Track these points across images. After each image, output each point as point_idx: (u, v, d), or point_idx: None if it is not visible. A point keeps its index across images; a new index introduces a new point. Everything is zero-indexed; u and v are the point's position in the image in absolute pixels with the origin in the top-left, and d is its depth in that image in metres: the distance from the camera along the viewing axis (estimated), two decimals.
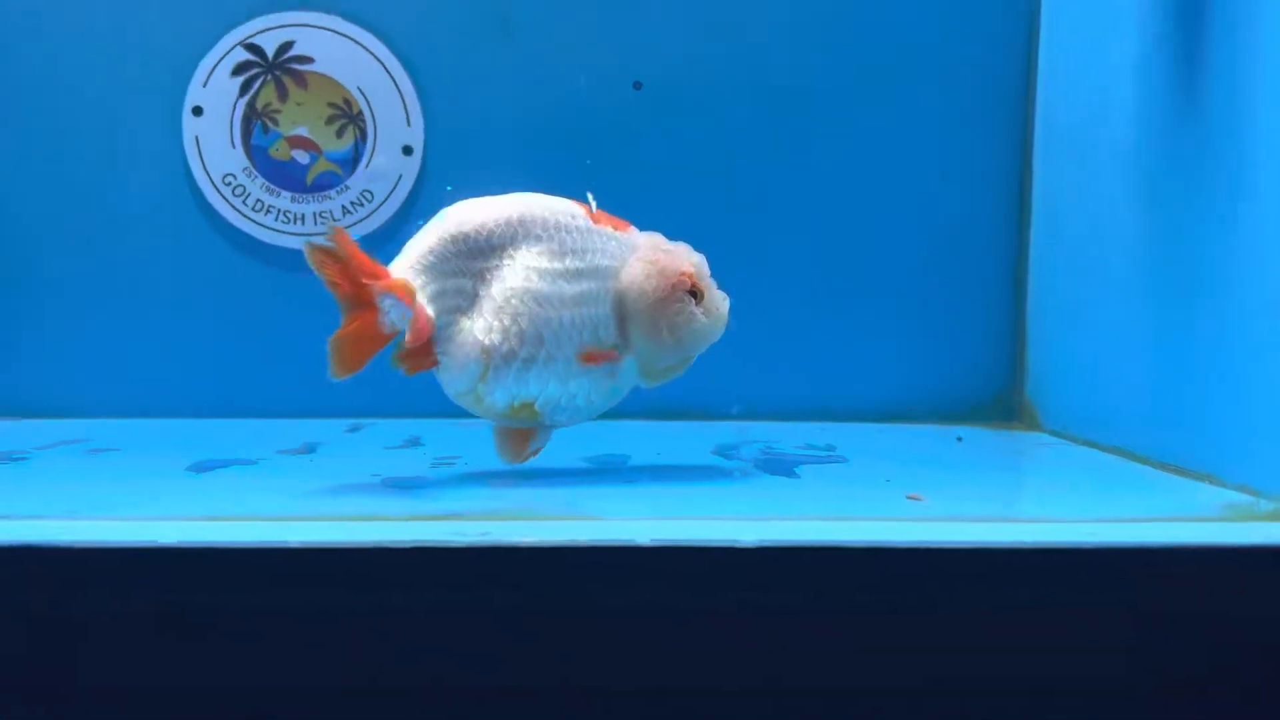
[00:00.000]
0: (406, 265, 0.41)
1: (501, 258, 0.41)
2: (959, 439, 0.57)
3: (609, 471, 0.45)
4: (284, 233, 0.61)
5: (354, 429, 0.57)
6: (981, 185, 0.63)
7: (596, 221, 0.43)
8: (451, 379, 0.42)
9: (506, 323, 0.41)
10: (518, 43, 0.62)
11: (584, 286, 0.41)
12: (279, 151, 0.61)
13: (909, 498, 0.39)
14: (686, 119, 0.62)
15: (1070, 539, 0.32)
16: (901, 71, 0.62)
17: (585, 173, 0.61)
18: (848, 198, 0.62)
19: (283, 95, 0.60)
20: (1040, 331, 0.62)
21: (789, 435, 0.56)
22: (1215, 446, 0.44)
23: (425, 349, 0.41)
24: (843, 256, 0.63)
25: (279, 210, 0.61)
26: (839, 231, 0.63)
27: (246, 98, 0.60)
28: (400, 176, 0.61)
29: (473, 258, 0.41)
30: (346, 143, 0.61)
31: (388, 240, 0.62)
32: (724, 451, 0.51)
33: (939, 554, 0.32)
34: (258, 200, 0.61)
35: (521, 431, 0.43)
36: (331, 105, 0.61)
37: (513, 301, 0.41)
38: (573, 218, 0.42)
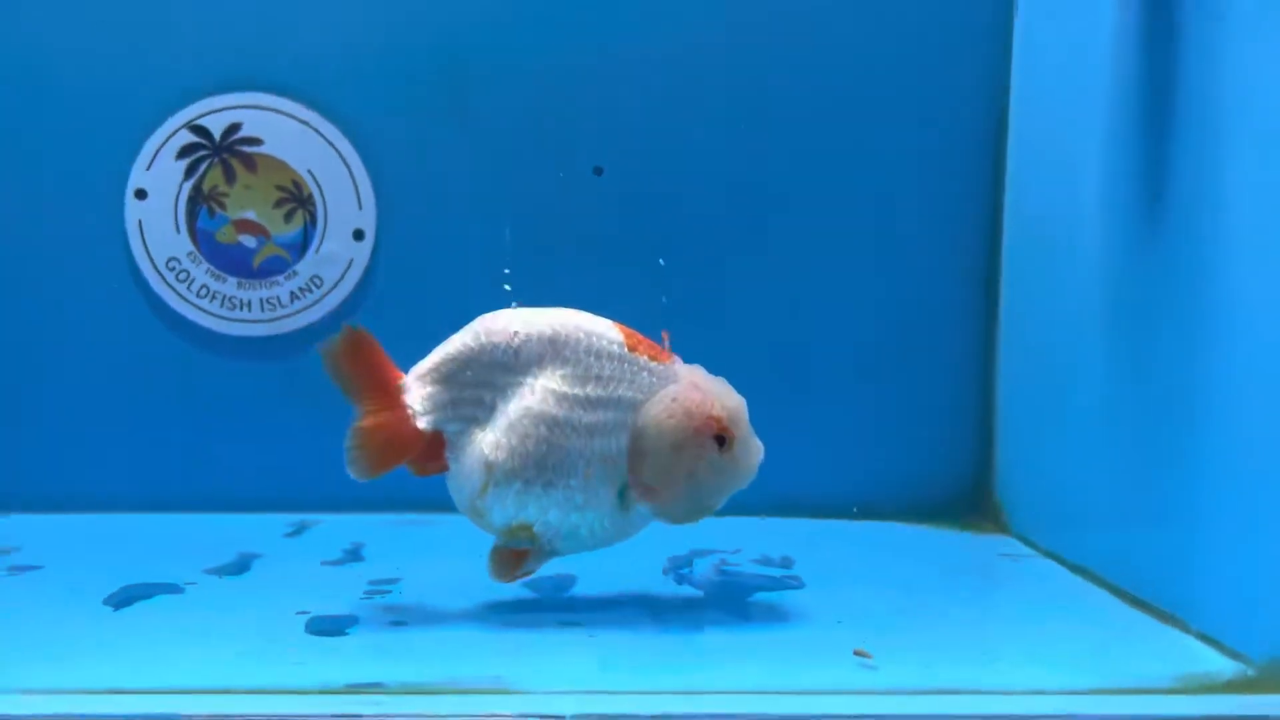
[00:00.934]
0: (429, 368, 0.41)
1: (525, 375, 0.40)
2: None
3: (548, 603, 0.43)
4: (229, 319, 0.59)
5: (296, 531, 0.55)
6: (950, 280, 0.62)
7: (633, 349, 0.41)
8: (455, 488, 0.41)
9: (514, 442, 0.40)
10: (474, 125, 0.60)
11: (601, 416, 0.40)
12: (225, 236, 0.59)
13: (856, 653, 0.38)
14: (647, 205, 0.60)
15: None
16: (868, 163, 0.61)
17: (542, 257, 0.60)
18: (812, 289, 0.61)
19: (230, 178, 0.59)
20: (1010, 431, 0.61)
21: (749, 539, 0.54)
22: (1181, 586, 0.43)
23: (437, 453, 0.40)
24: (810, 348, 0.61)
25: (224, 296, 0.59)
26: (804, 323, 0.61)
27: (192, 180, 0.58)
28: (351, 261, 0.59)
29: (497, 370, 0.41)
30: (295, 226, 0.59)
31: (335, 328, 0.60)
32: (676, 568, 0.49)
33: None
34: (203, 285, 0.59)
35: (516, 552, 0.41)
36: (280, 188, 0.59)
37: (524, 422, 0.40)
38: (607, 342, 0.41)
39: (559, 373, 0.40)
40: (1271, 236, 0.38)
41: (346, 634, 0.39)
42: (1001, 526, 0.60)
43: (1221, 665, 0.39)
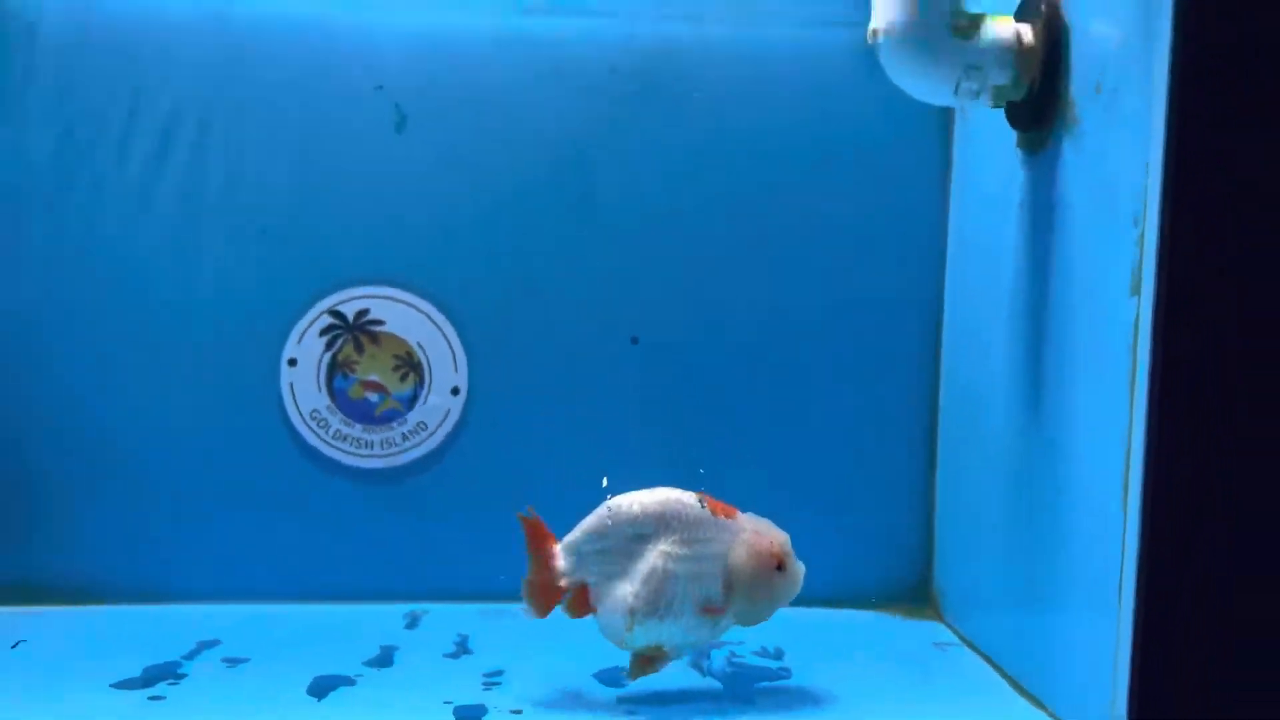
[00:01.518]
0: (572, 540, 0.61)
1: (646, 541, 0.60)
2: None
3: (612, 694, 0.62)
4: (356, 455, 0.77)
5: (411, 624, 0.74)
6: (900, 408, 0.81)
7: (713, 511, 0.61)
8: (604, 624, 0.60)
9: (646, 592, 0.59)
10: (543, 304, 0.79)
11: (701, 566, 0.59)
12: (355, 393, 0.77)
13: None
14: (677, 370, 0.79)
15: None
16: (833, 309, 0.79)
17: (589, 410, 0.79)
18: (788, 415, 0.79)
19: (359, 350, 0.77)
20: (944, 532, 0.80)
21: (747, 632, 0.73)
22: (1053, 678, 0.62)
23: (584, 602, 0.60)
24: (786, 464, 0.80)
25: (353, 438, 0.77)
26: (784, 444, 0.80)
27: (331, 352, 0.77)
28: (449, 411, 0.78)
29: (627, 538, 0.60)
30: (408, 385, 0.78)
31: (435, 462, 0.79)
32: (698, 661, 0.68)
33: None
34: (336, 430, 0.77)
35: (651, 657, 0.61)
36: (397, 357, 0.77)
37: (652, 578, 0.59)
38: (696, 511, 0.60)
39: (670, 538, 0.59)
40: (1107, 392, 0.57)
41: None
42: (938, 616, 0.80)
43: None
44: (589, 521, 0.61)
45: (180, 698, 0.59)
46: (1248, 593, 0.51)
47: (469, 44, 0.76)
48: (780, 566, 0.60)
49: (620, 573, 0.60)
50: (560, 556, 0.60)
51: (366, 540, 0.77)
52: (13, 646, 0.66)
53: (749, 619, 0.61)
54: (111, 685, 0.61)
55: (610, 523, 0.60)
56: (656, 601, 0.59)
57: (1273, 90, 0.50)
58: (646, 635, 0.59)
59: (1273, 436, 0.51)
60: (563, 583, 0.60)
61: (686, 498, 0.61)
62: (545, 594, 0.60)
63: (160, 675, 0.62)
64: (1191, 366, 0.51)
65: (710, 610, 0.60)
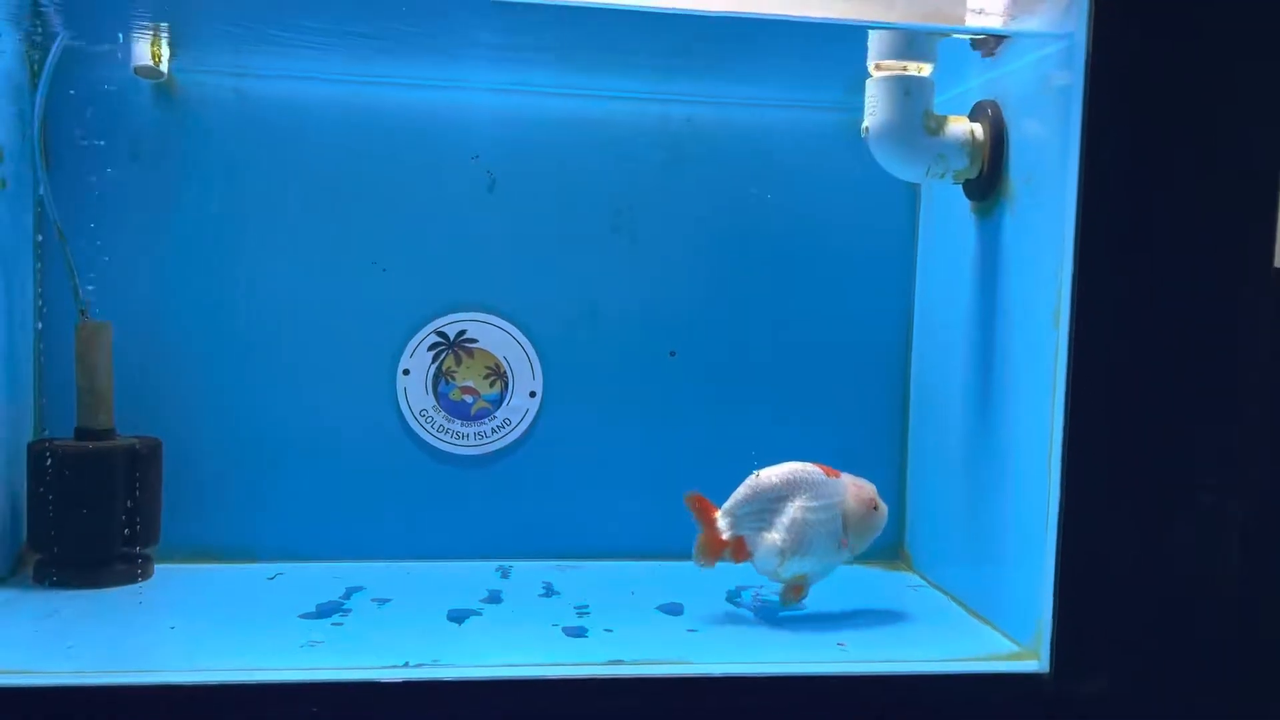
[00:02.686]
0: (733, 503, 0.82)
1: (784, 501, 0.82)
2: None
3: (684, 616, 0.83)
4: (456, 445, 0.97)
5: (504, 574, 0.94)
6: (878, 410, 1.03)
7: (827, 475, 0.83)
8: (761, 565, 0.82)
9: (791, 537, 0.81)
10: (601, 324, 0.99)
11: (826, 514, 0.82)
12: (455, 396, 0.97)
13: (839, 645, 0.78)
14: (706, 376, 1.00)
15: (884, 670, 0.72)
16: (818, 348, 1.01)
17: (637, 409, 0.99)
18: (786, 412, 1.01)
19: (458, 361, 0.97)
20: (914, 504, 1.02)
21: (771, 580, 0.94)
22: (993, 603, 0.84)
23: (743, 551, 0.82)
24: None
25: (453, 431, 0.97)
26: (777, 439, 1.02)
27: (436, 364, 0.96)
28: (528, 410, 0.98)
29: (770, 500, 0.82)
30: (495, 390, 0.98)
31: (517, 450, 0.99)
32: (733, 599, 0.89)
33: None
34: (440, 425, 0.97)
35: (797, 586, 0.84)
36: (487, 367, 0.97)
37: (794, 526, 0.81)
38: (816, 475, 0.83)
39: (801, 496, 0.82)
40: (1036, 397, 0.78)
41: (587, 636, 0.78)
42: (910, 567, 1.02)
43: (1009, 647, 0.80)
44: (740, 492, 0.83)
45: (354, 624, 0.79)
46: (1135, 542, 0.73)
47: (543, 122, 0.96)
48: (875, 507, 0.84)
49: (769, 525, 0.82)
50: (721, 519, 0.82)
51: (464, 511, 0.97)
52: (270, 579, 0.86)
53: (859, 547, 0.84)
54: (299, 616, 0.80)
55: (755, 491, 0.82)
56: (799, 542, 0.82)
57: (1150, 189, 0.72)
58: (793, 569, 0.82)
59: (1150, 429, 0.73)
60: (725, 538, 0.82)
61: (807, 466, 0.84)
62: (712, 549, 0.82)
63: (330, 610, 0.82)
64: (1094, 379, 0.72)
65: (835, 546, 0.83)
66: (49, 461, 0.83)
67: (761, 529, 0.82)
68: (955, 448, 0.92)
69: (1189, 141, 0.71)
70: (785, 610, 0.85)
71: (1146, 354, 0.72)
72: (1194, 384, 0.72)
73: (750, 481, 0.83)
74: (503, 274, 0.97)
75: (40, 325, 0.90)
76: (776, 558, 0.82)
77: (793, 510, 0.82)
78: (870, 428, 1.02)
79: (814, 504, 0.82)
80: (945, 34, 0.81)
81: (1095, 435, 0.72)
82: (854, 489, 0.84)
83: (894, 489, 1.02)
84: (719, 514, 0.83)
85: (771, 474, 0.83)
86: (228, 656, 0.71)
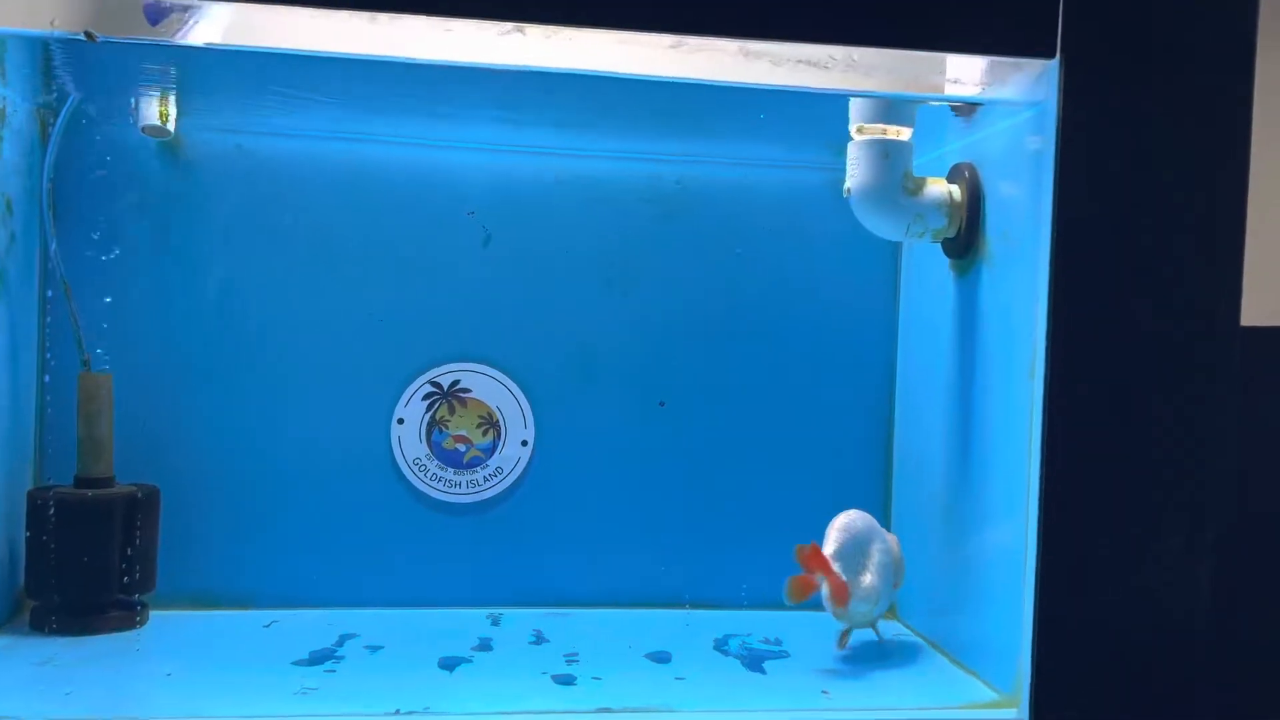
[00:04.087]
0: (836, 548, 0.85)
1: (871, 545, 0.87)
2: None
3: (675, 662, 0.84)
4: (448, 493, 0.99)
5: (495, 622, 0.95)
6: (862, 457, 1.05)
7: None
8: (859, 603, 0.85)
9: (880, 578, 0.86)
10: (592, 375, 1.01)
11: (890, 557, 0.88)
12: (448, 444, 0.99)
13: (823, 693, 0.80)
14: (695, 427, 1.03)
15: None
16: (811, 402, 1.04)
17: (627, 457, 1.01)
18: (772, 462, 1.04)
19: (451, 411, 0.99)
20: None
21: (744, 626, 0.95)
22: (973, 652, 0.86)
23: (842, 594, 0.84)
24: (768, 497, 1.03)
25: (446, 479, 0.99)
26: (765, 476, 1.04)
27: (430, 413, 0.99)
28: (520, 459, 1.00)
29: (862, 544, 0.86)
30: (489, 439, 1.00)
31: (509, 498, 1.01)
32: (720, 646, 0.90)
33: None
34: (433, 474, 0.99)
35: (852, 628, 0.88)
36: (480, 417, 0.99)
37: (881, 568, 0.86)
38: (873, 520, 0.89)
39: (878, 540, 0.87)
40: (1013, 448, 0.81)
41: (576, 684, 0.80)
42: (895, 616, 1.03)
43: (989, 695, 0.81)
44: (839, 539, 0.86)
45: (346, 670, 0.80)
46: (1111, 591, 0.75)
47: (537, 180, 1.00)
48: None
49: (862, 569, 0.86)
50: (834, 563, 0.85)
51: (457, 559, 0.99)
52: (266, 626, 0.87)
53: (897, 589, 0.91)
54: (293, 663, 0.81)
55: (852, 535, 0.86)
56: (885, 584, 0.87)
57: (1120, 248, 0.75)
58: (881, 606, 0.87)
59: (1124, 480, 0.75)
60: (842, 579, 0.85)
61: (867, 515, 0.89)
62: (806, 588, 0.84)
63: (323, 657, 0.83)
64: (1069, 431, 0.75)
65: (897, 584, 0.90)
66: (48, 509, 0.84)
67: (858, 573, 0.86)
68: (937, 498, 0.94)
69: (1156, 202, 0.74)
70: (842, 651, 0.89)
71: (1119, 408, 0.75)
72: (1165, 436, 0.75)
73: (844, 524, 0.87)
74: (497, 325, 1.00)
75: (47, 378, 0.93)
76: (872, 599, 0.86)
77: (877, 554, 0.87)
78: (856, 478, 1.04)
79: (884, 547, 0.88)
80: (923, 102, 0.85)
81: (1070, 486, 0.74)
82: (891, 536, 0.91)
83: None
84: (831, 558, 0.85)
85: (855, 519, 0.88)
86: (222, 703, 0.72)
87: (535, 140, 0.99)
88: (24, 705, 0.70)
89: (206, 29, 0.72)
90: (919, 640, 0.95)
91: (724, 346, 1.02)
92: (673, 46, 0.72)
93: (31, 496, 0.86)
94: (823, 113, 0.90)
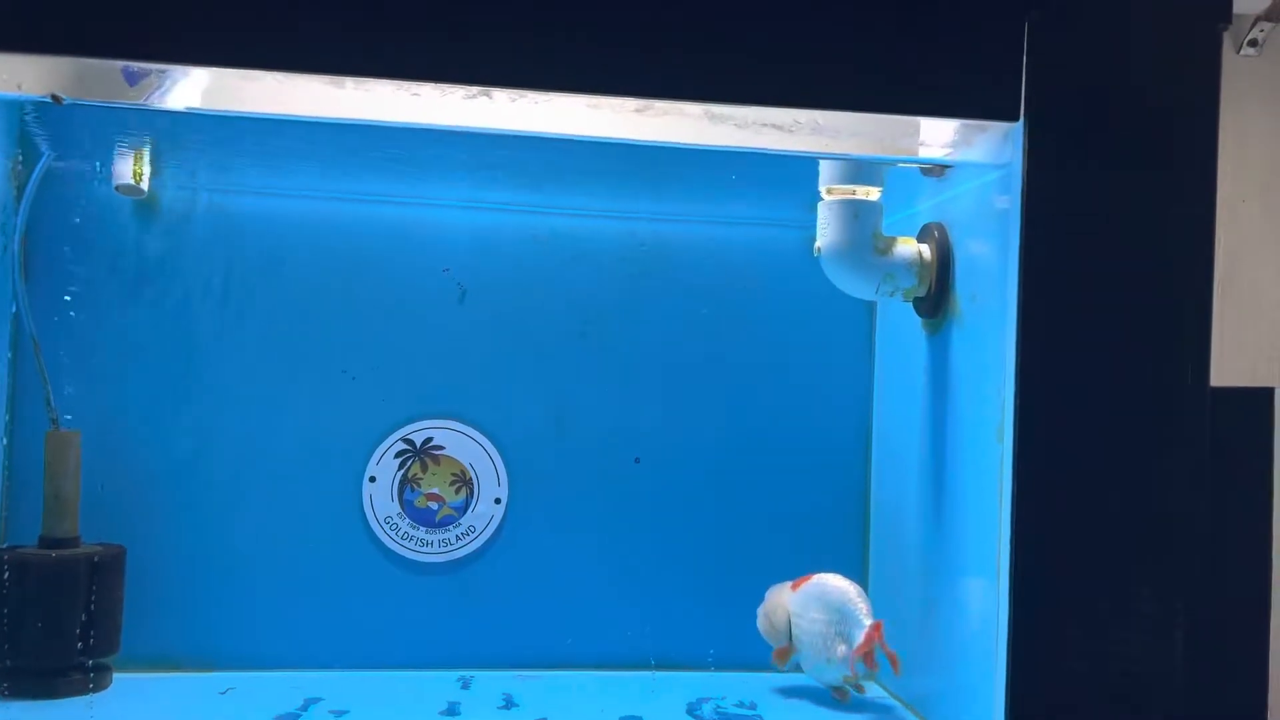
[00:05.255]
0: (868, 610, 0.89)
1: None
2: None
3: None
4: (420, 552, 0.98)
5: (465, 685, 0.94)
6: (837, 512, 1.04)
7: None
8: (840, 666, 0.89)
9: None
10: (567, 432, 1.01)
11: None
12: (420, 502, 0.98)
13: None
14: (671, 484, 1.02)
15: None
16: (790, 451, 1.04)
17: (602, 515, 1.01)
18: (747, 511, 1.03)
19: (424, 468, 0.98)
20: (875, 607, 1.03)
21: (731, 688, 0.94)
22: (953, 716, 0.84)
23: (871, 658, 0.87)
24: (739, 550, 1.02)
25: (417, 538, 0.98)
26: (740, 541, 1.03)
27: (402, 471, 0.98)
28: (493, 517, 0.99)
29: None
30: (461, 496, 0.99)
31: (482, 557, 1.00)
32: (694, 711, 0.89)
33: None
34: (405, 532, 0.98)
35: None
36: (453, 474, 0.99)
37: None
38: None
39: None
40: (983, 510, 0.80)
41: None
42: (871, 677, 1.01)
43: None
44: (866, 603, 0.89)
45: None
46: (1082, 651, 0.74)
47: (513, 237, 1.00)
48: None
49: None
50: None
51: (427, 619, 0.97)
52: (222, 693, 0.88)
53: None
54: None
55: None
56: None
57: (1087, 309, 0.75)
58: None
59: (1093, 541, 0.74)
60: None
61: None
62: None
63: None
64: (1037, 492, 0.74)
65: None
66: (7, 570, 0.83)
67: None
68: (912, 560, 0.93)
69: (1122, 263, 0.74)
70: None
71: (1088, 470, 0.74)
72: (1135, 500, 0.74)
73: (861, 597, 0.90)
74: (470, 382, 0.99)
75: (7, 440, 0.92)
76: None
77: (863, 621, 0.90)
78: (831, 538, 1.03)
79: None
80: (889, 164, 0.85)
81: (1040, 550, 0.74)
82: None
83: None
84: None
85: (852, 586, 0.92)
86: None
87: (510, 198, 1.00)
88: None
89: (180, 93, 0.73)
90: (894, 702, 0.94)
91: (700, 404, 1.02)
92: (638, 110, 0.72)
93: None
94: (795, 172, 0.91)
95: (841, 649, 0.90)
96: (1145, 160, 0.75)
